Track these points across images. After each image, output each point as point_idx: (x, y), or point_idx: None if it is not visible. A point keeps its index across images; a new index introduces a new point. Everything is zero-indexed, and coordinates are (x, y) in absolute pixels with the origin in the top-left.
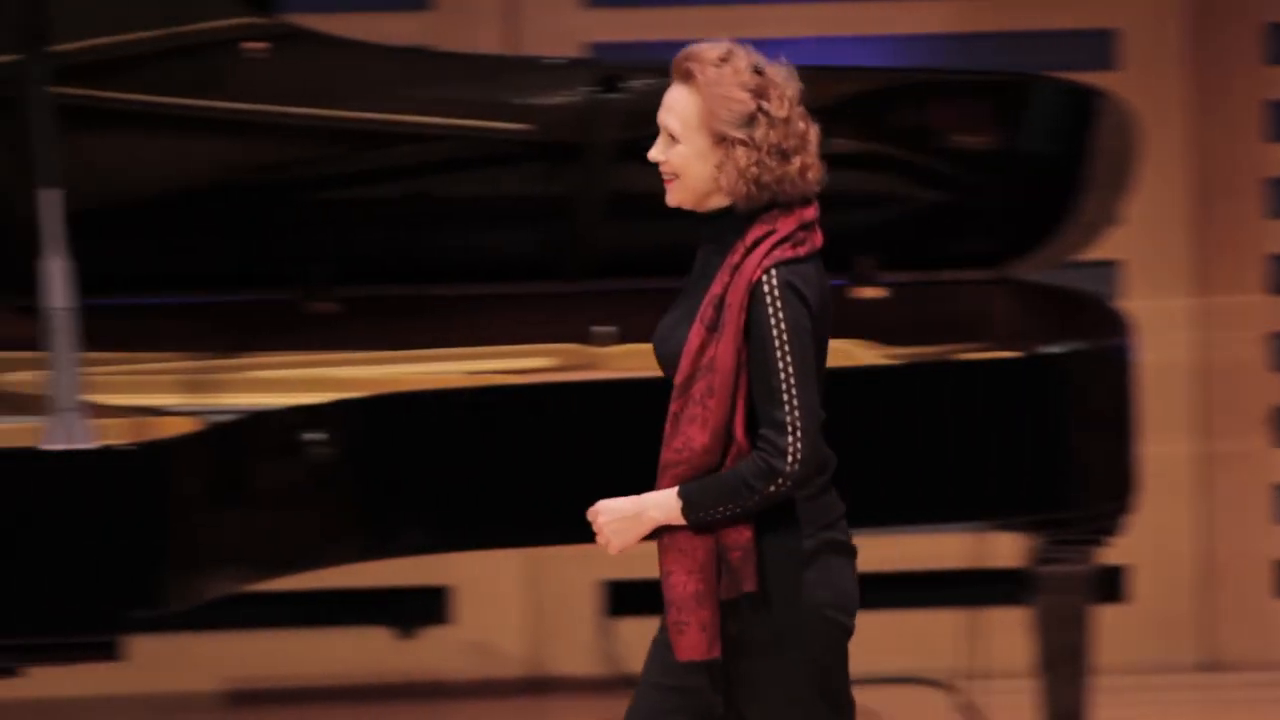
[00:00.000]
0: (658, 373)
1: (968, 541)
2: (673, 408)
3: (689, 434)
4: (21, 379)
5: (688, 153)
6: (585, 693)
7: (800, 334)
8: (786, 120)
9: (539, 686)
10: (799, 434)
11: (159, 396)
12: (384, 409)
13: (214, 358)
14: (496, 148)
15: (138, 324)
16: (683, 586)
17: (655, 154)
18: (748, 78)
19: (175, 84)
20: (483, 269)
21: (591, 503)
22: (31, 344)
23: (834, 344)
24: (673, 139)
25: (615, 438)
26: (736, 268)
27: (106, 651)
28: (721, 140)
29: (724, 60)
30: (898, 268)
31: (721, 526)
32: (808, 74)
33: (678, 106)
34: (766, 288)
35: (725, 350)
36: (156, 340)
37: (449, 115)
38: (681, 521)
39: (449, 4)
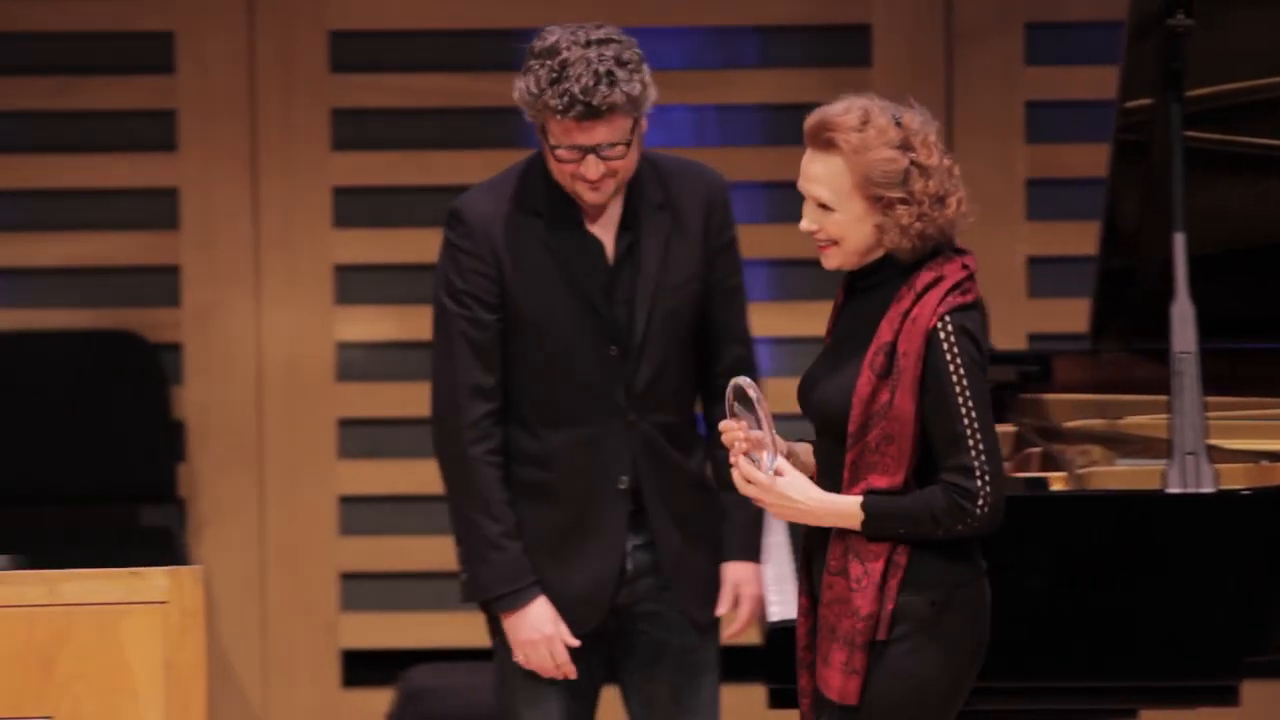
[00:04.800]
0: None
1: None
2: (849, 456)
3: (872, 482)
4: (1141, 421)
5: (844, 220)
6: None
7: (978, 379)
8: (937, 166)
9: None
10: (988, 478)
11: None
12: None
13: None
14: None
15: (1260, 369)
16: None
17: (807, 224)
18: (892, 134)
19: None
20: None
21: None
22: (1153, 387)
23: None
24: (824, 208)
25: None
26: (907, 314)
27: (1228, 697)
28: (878, 201)
29: (865, 123)
30: None
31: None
32: None
33: (825, 176)
34: (943, 334)
35: (904, 398)
36: (1277, 385)
37: None
38: (855, 527)
39: None
